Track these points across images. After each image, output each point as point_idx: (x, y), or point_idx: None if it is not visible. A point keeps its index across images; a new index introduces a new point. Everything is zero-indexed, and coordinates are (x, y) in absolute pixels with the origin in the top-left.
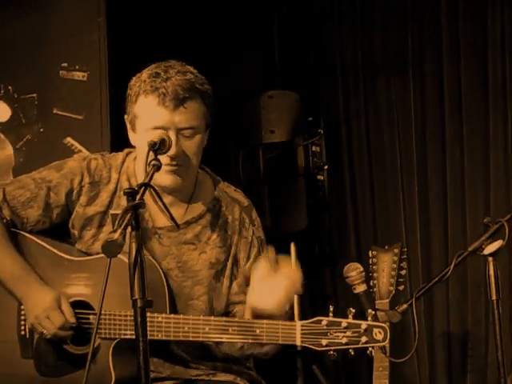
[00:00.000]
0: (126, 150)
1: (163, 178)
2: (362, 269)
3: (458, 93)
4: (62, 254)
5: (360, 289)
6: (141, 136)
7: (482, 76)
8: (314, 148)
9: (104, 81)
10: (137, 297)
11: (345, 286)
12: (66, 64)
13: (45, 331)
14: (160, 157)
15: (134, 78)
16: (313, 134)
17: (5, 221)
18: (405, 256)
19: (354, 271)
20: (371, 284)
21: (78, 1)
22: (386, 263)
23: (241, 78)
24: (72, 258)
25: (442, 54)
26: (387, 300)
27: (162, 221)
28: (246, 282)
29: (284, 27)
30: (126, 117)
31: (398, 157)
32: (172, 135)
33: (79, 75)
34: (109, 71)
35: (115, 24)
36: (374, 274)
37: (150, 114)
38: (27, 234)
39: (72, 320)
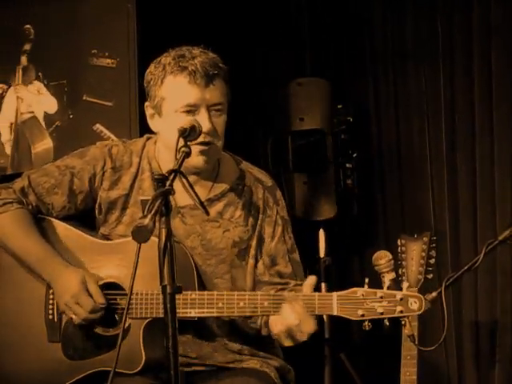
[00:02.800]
0: (146, 136)
1: (195, 160)
2: (390, 257)
3: (487, 80)
4: (92, 238)
5: (388, 277)
6: (169, 118)
7: None
8: (343, 136)
9: (133, 67)
10: (166, 283)
11: (373, 273)
12: (95, 50)
13: (75, 317)
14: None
15: (152, 65)
16: (342, 122)
17: (30, 207)
18: (434, 244)
19: (382, 259)
20: (400, 272)
21: None
22: (414, 252)
23: (270, 66)
24: (101, 240)
25: (473, 42)
26: (416, 288)
27: (184, 200)
28: (271, 261)
29: (314, 14)
30: (147, 104)
31: (427, 145)
32: (203, 112)
33: (108, 62)
34: (138, 57)
35: (144, 10)
36: (403, 263)
37: (181, 92)
38: (55, 220)
39: (101, 301)
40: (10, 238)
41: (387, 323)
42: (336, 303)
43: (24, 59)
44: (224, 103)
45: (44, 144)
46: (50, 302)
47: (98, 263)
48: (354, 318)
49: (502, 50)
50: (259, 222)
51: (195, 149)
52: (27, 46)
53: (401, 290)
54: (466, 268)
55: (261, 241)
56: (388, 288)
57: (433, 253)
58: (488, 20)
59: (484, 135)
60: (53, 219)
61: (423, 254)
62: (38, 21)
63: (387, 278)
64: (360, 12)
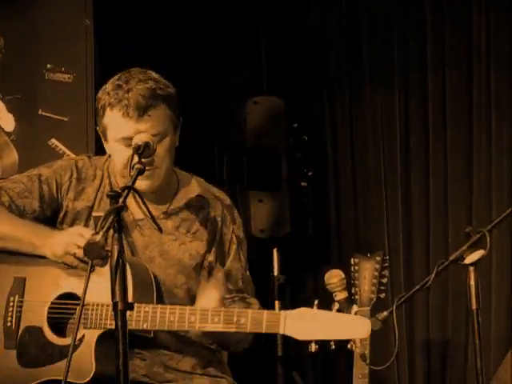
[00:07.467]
0: (108, 153)
1: (138, 184)
2: (343, 276)
3: (441, 103)
4: None
5: (341, 296)
6: (112, 145)
7: (466, 86)
8: (298, 154)
9: (90, 83)
10: (118, 299)
11: (327, 292)
12: (51, 65)
13: (77, 251)
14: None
15: (100, 91)
16: (297, 141)
17: (4, 208)
18: (387, 264)
19: (335, 278)
20: (352, 291)
21: (65, 2)
22: (367, 271)
23: (227, 83)
24: None
25: (427, 65)
26: (368, 308)
27: (141, 212)
28: (227, 277)
29: (272, 34)
30: (97, 128)
31: (381, 165)
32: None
33: (65, 77)
34: (95, 73)
35: (102, 26)
36: (356, 282)
37: (117, 125)
38: None
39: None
40: None
41: (333, 346)
42: (284, 322)
43: None
44: (163, 131)
45: (11, 158)
46: (10, 309)
47: (60, 274)
48: (301, 338)
49: (456, 72)
50: (217, 239)
51: None
52: None
53: (350, 310)
54: (417, 288)
55: (217, 257)
56: (338, 310)
57: (385, 272)
58: (442, 43)
59: (437, 157)
60: None
61: (376, 273)
62: None
63: (339, 297)
64: (317, 32)
